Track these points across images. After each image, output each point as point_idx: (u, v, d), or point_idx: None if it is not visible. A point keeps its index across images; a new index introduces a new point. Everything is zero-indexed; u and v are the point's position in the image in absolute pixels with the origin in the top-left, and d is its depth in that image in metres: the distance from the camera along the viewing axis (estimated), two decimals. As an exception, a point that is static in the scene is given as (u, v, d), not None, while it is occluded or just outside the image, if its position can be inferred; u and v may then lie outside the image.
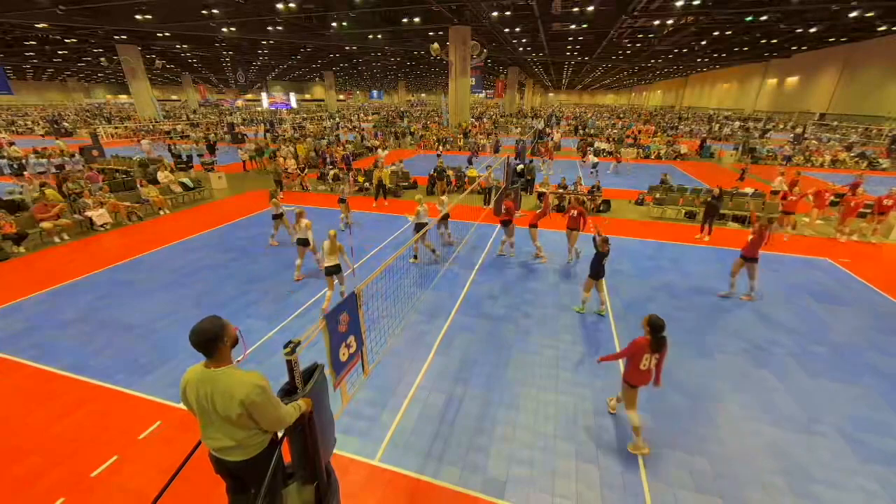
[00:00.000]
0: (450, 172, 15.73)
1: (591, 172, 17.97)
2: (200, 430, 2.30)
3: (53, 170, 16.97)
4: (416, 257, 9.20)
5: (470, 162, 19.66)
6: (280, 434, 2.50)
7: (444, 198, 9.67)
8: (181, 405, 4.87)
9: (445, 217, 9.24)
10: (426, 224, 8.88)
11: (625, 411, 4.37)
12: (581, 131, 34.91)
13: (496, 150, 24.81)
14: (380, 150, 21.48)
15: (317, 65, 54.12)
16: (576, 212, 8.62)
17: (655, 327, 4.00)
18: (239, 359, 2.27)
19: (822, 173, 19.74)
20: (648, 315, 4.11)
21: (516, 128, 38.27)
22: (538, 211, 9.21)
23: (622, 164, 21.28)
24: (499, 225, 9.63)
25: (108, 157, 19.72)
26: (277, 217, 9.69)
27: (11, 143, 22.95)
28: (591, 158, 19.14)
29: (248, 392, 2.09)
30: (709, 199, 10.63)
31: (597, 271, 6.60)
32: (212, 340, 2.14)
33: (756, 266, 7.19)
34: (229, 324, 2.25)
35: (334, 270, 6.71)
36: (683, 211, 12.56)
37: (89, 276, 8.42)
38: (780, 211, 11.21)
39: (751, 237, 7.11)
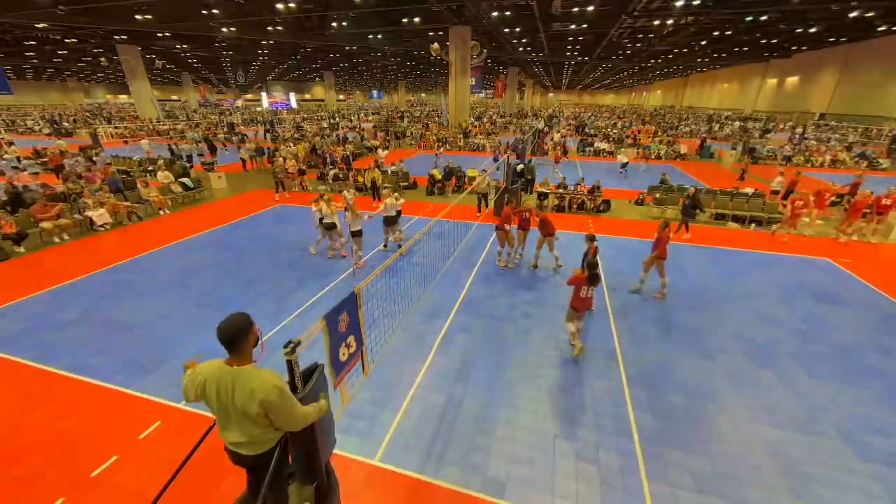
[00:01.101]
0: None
1: (620, 172, 18.50)
2: (218, 425, 2.34)
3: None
4: (385, 246, 9.73)
5: (496, 160, 19.24)
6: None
7: (396, 194, 9.73)
8: (182, 405, 4.87)
9: (398, 213, 9.56)
10: (395, 217, 9.30)
11: (566, 323, 5.95)
12: (581, 131, 34.88)
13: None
14: (380, 150, 21.48)
15: (317, 65, 54.04)
16: (539, 218, 8.39)
17: (590, 266, 5.52)
18: (256, 360, 2.29)
19: (822, 173, 19.73)
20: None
21: (515, 127, 38.22)
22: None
23: (646, 164, 21.50)
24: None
25: (108, 157, 19.74)
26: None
27: (11, 143, 22.97)
28: (621, 159, 19.45)
29: (267, 392, 2.12)
30: (685, 200, 10.40)
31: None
32: (239, 336, 2.16)
33: (664, 263, 7.31)
34: (255, 323, 2.28)
35: (359, 234, 8.26)
36: (683, 211, 12.54)
37: (89, 276, 8.42)
38: (779, 213, 11.15)
39: (656, 238, 7.25)
